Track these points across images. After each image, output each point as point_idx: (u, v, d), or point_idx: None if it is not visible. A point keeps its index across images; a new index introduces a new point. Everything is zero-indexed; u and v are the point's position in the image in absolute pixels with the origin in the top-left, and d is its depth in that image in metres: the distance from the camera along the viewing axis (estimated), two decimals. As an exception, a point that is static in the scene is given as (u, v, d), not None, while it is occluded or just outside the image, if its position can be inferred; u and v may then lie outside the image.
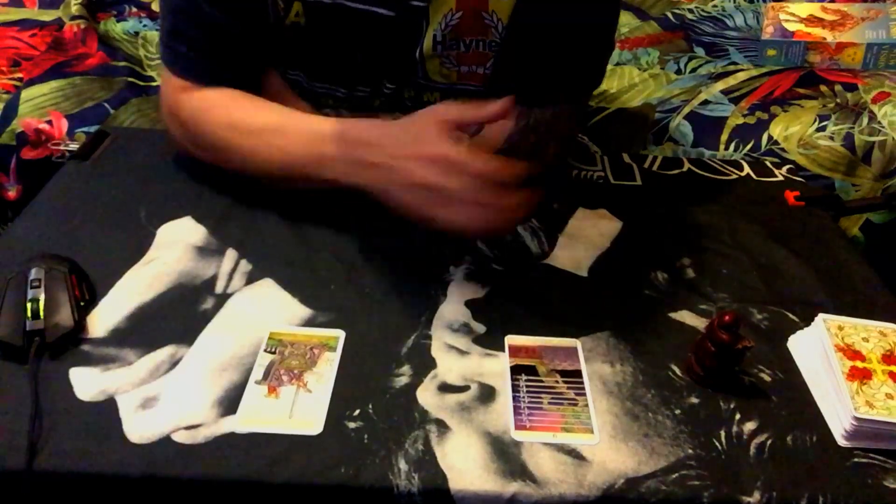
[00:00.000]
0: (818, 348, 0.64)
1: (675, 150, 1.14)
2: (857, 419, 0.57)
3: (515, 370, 0.64)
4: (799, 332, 0.68)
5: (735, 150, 1.09)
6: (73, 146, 0.95)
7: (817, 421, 0.61)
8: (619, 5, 0.86)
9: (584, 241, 0.80)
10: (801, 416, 0.61)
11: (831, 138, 1.06)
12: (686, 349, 0.65)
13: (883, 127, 1.05)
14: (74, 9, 1.39)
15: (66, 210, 0.80)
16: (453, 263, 0.75)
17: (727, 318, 0.60)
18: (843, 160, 1.05)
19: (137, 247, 0.74)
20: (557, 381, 0.63)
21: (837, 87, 1.18)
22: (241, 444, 0.56)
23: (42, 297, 0.62)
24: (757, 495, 0.55)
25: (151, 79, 1.26)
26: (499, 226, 0.67)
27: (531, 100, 0.81)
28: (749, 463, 0.57)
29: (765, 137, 1.09)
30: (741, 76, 1.25)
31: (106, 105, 1.14)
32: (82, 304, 0.65)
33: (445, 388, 0.62)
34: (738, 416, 0.61)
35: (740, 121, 1.13)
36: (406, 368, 0.63)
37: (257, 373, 0.62)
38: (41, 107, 1.12)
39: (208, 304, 0.68)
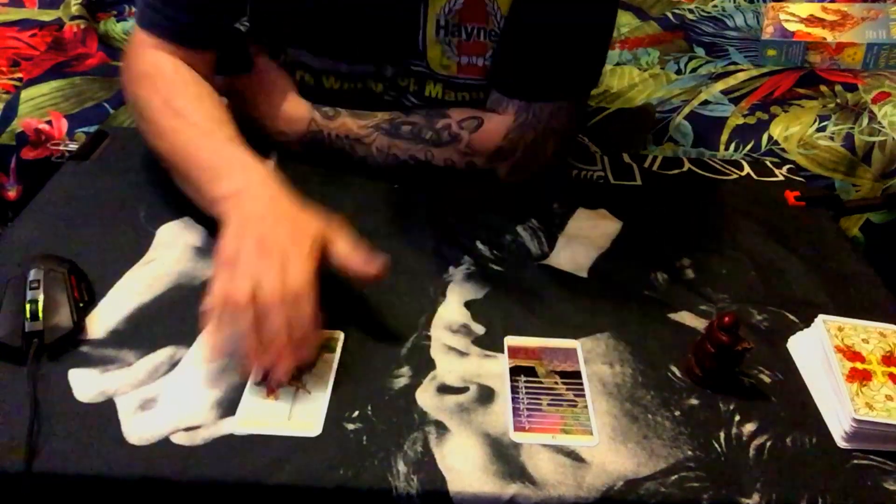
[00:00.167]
0: (818, 349, 0.64)
1: (675, 151, 1.14)
2: (856, 421, 0.57)
3: (515, 371, 0.64)
4: (799, 333, 0.68)
5: (735, 151, 1.09)
6: (73, 146, 0.95)
7: (817, 422, 0.61)
8: (618, 4, 0.87)
9: (583, 241, 0.80)
10: (800, 418, 0.61)
11: (831, 138, 1.06)
12: (686, 350, 0.65)
13: (883, 127, 1.05)
14: (74, 9, 1.39)
15: (65, 211, 0.80)
16: (453, 264, 0.75)
17: (727, 319, 0.60)
18: (843, 160, 1.04)
19: (136, 247, 0.74)
20: (557, 383, 0.63)
21: (837, 88, 1.17)
22: (240, 445, 0.56)
23: (41, 298, 0.62)
24: (756, 497, 0.55)
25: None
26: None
27: (530, 95, 0.81)
28: (748, 464, 0.57)
29: (765, 138, 1.09)
30: (741, 76, 1.25)
31: (106, 105, 1.14)
32: (81, 305, 0.65)
33: (444, 389, 0.62)
34: (737, 418, 0.61)
35: (740, 121, 1.13)
36: (405, 370, 0.63)
37: (256, 374, 0.61)
38: (41, 107, 1.12)
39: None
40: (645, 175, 0.95)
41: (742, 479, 0.56)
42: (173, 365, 0.62)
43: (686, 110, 1.18)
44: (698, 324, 0.70)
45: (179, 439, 0.56)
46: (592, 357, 0.66)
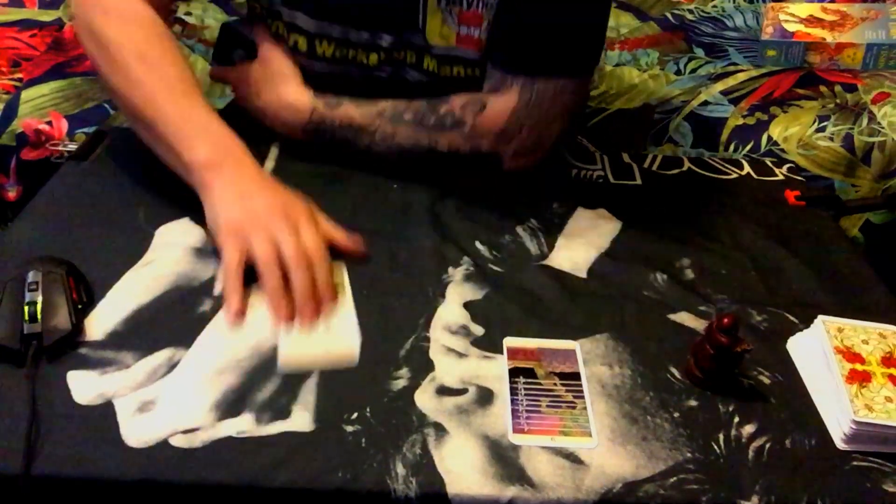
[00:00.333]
0: (817, 350, 0.64)
1: (675, 151, 1.14)
2: (856, 422, 0.57)
3: (514, 373, 0.64)
4: (798, 334, 0.68)
5: (735, 151, 1.09)
6: (72, 147, 0.95)
7: (816, 424, 0.61)
8: None
9: (583, 241, 0.80)
10: (800, 420, 0.61)
11: (831, 139, 1.06)
12: (685, 351, 0.65)
13: (882, 127, 1.05)
14: (74, 9, 1.39)
15: (64, 212, 0.79)
16: (452, 265, 0.75)
17: (726, 321, 0.60)
18: (842, 161, 1.05)
19: (135, 248, 0.74)
20: (556, 384, 0.63)
21: (837, 88, 1.18)
22: (239, 448, 0.56)
23: (40, 300, 0.62)
24: (755, 499, 0.55)
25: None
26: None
27: (532, 69, 0.81)
28: (748, 466, 0.57)
29: (764, 138, 1.09)
30: (741, 77, 1.25)
31: (106, 106, 1.14)
32: (80, 306, 0.65)
33: (443, 391, 0.62)
34: (736, 420, 0.61)
35: (740, 121, 1.13)
36: (404, 371, 0.63)
37: (286, 327, 0.65)
38: (41, 107, 1.12)
39: (206, 306, 0.68)
40: (645, 175, 0.95)
41: (741, 480, 0.56)
42: (172, 367, 0.62)
43: (686, 111, 1.18)
44: (698, 325, 0.70)
45: (178, 442, 0.56)
46: (591, 358, 0.65)
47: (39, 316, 0.61)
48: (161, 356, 0.63)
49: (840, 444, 0.59)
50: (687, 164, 0.98)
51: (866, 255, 0.88)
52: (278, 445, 0.56)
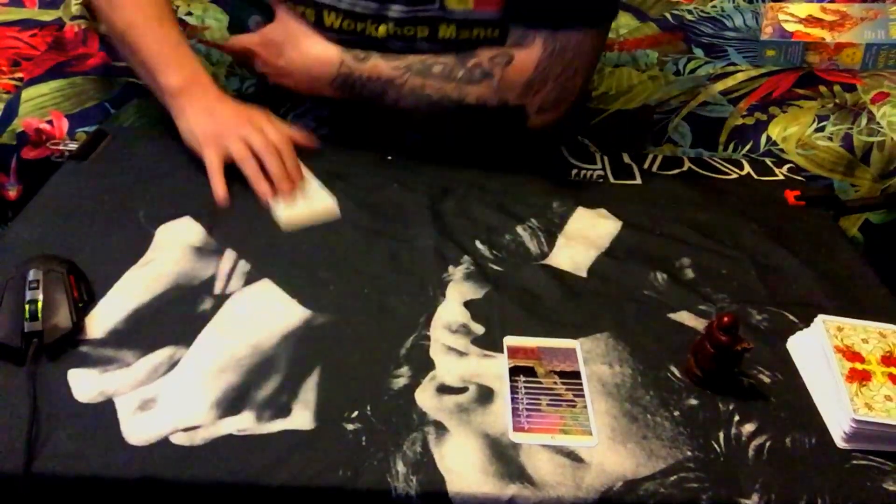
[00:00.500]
0: (817, 349, 0.64)
1: (674, 151, 1.14)
2: (856, 421, 0.57)
3: (514, 371, 0.64)
4: (798, 333, 0.68)
5: (734, 151, 1.09)
6: (72, 146, 0.95)
7: (816, 423, 0.61)
8: None
9: (583, 241, 0.80)
10: (800, 418, 0.61)
11: (830, 139, 1.06)
12: (685, 350, 0.65)
13: (882, 127, 1.05)
14: (74, 9, 1.39)
15: (65, 211, 0.79)
16: (452, 264, 0.75)
17: (726, 319, 0.60)
18: (841, 161, 1.04)
19: (136, 247, 0.74)
20: (556, 383, 0.63)
21: (836, 88, 1.17)
22: (239, 446, 0.56)
23: (40, 299, 0.62)
24: (755, 497, 0.55)
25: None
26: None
27: (554, 23, 0.83)
28: (748, 465, 0.57)
29: (763, 138, 1.09)
30: (740, 77, 1.25)
31: (107, 105, 1.14)
32: (80, 305, 0.65)
33: (444, 389, 0.62)
34: (736, 418, 0.61)
35: (739, 122, 1.13)
36: (405, 370, 0.63)
37: (273, 201, 0.82)
38: (42, 106, 1.12)
39: (207, 304, 0.68)
40: (645, 175, 0.95)
41: (741, 479, 0.56)
42: (172, 365, 0.62)
43: (685, 112, 1.18)
44: (698, 324, 0.70)
45: (179, 439, 0.56)
46: (592, 357, 0.66)
47: (40, 314, 0.61)
48: (162, 354, 0.63)
49: (840, 443, 0.59)
50: (687, 164, 0.98)
51: (865, 255, 0.88)
52: (279, 443, 0.56)
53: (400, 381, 0.62)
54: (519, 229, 0.81)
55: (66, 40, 1.31)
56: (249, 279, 0.72)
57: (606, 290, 0.74)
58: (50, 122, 1.09)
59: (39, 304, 0.62)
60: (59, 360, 0.62)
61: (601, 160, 0.97)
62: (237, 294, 0.70)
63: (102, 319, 0.66)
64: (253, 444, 0.56)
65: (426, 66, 0.86)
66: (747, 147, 1.09)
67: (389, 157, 0.93)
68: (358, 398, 0.60)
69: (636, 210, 0.86)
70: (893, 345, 0.64)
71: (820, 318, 0.66)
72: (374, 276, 0.73)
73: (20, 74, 1.22)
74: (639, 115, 1.24)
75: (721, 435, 0.59)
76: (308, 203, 0.82)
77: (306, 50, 0.88)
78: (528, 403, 0.61)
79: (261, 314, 0.68)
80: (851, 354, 0.62)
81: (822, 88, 1.18)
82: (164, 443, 0.56)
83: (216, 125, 0.84)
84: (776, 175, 0.97)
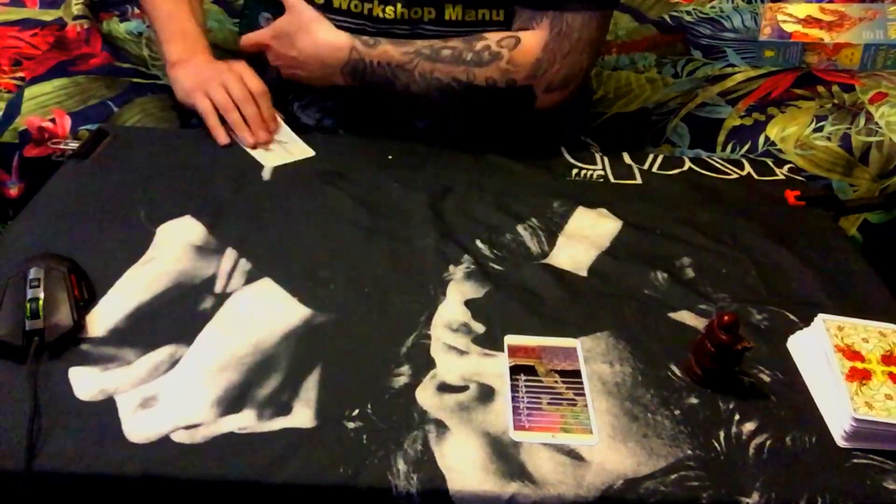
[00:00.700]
0: (818, 349, 0.64)
1: (673, 152, 1.14)
2: (856, 420, 0.58)
3: (514, 370, 0.64)
4: (798, 333, 0.68)
5: (732, 152, 1.09)
6: (73, 144, 0.95)
7: (816, 422, 0.61)
8: None
9: (583, 240, 0.80)
10: (800, 417, 0.61)
11: (828, 139, 1.06)
12: (685, 349, 0.65)
13: (880, 127, 1.05)
14: (76, 9, 1.39)
15: (66, 209, 0.80)
16: (453, 263, 0.75)
17: (726, 318, 0.60)
18: (840, 161, 1.05)
19: (137, 246, 0.74)
20: (556, 382, 0.63)
21: (835, 88, 1.18)
22: (240, 444, 0.56)
23: (41, 297, 0.62)
24: (756, 496, 0.55)
25: (156, 77, 1.25)
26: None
27: (560, 4, 0.85)
28: (748, 464, 0.57)
29: (762, 139, 1.09)
30: (738, 77, 1.25)
31: (110, 103, 1.14)
32: (81, 303, 0.65)
33: (444, 388, 0.62)
34: (737, 417, 0.61)
35: (737, 122, 1.13)
36: (405, 368, 0.63)
37: (252, 143, 0.93)
38: (44, 105, 1.12)
39: (207, 303, 0.68)
40: (645, 174, 0.95)
41: (742, 478, 0.56)
42: (174, 363, 0.62)
43: (683, 113, 1.18)
44: (698, 323, 0.70)
45: (180, 437, 0.56)
46: (592, 356, 0.66)
47: (41, 312, 0.61)
48: (163, 353, 0.63)
49: (840, 442, 0.59)
50: (687, 164, 0.98)
51: (864, 255, 0.88)
52: (279, 441, 0.56)
53: (401, 380, 0.62)
54: (519, 228, 0.81)
55: (68, 40, 1.31)
56: (250, 278, 0.72)
57: (607, 289, 0.74)
58: (53, 120, 1.09)
59: (40, 303, 0.62)
60: (60, 358, 0.62)
61: (601, 160, 0.97)
62: (238, 293, 0.70)
63: (103, 318, 0.66)
64: (254, 442, 0.56)
65: (435, 51, 0.88)
66: (745, 147, 1.09)
67: (390, 157, 0.93)
68: (359, 396, 0.60)
69: (637, 210, 0.86)
70: (893, 344, 0.64)
71: (820, 317, 0.66)
72: (374, 275, 0.73)
73: (21, 74, 1.22)
74: (637, 118, 1.24)
75: (721, 434, 0.59)
76: (284, 146, 0.93)
77: (317, 37, 0.90)
78: (528, 402, 0.61)
79: (262, 313, 0.68)
80: (852, 353, 0.62)
81: (821, 89, 1.18)
82: (165, 441, 0.56)
83: (200, 76, 0.93)
84: (776, 175, 0.98)
